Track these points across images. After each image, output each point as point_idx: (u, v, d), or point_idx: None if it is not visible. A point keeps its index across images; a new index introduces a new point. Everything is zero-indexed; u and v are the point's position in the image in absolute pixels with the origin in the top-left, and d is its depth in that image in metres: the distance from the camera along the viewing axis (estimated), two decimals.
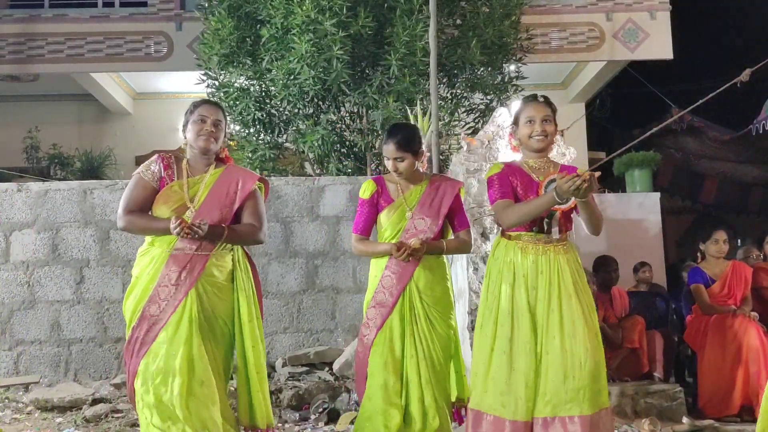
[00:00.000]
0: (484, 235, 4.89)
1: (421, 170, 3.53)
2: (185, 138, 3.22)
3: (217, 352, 3.07)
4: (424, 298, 3.35)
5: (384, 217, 3.47)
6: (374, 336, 3.37)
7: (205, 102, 3.26)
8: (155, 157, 3.18)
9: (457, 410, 3.57)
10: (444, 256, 3.48)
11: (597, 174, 2.83)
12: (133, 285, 3.09)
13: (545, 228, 3.09)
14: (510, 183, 3.12)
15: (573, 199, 2.93)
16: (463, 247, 3.50)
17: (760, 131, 8.29)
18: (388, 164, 3.46)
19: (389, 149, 3.41)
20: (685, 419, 4.49)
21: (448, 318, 3.42)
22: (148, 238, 3.14)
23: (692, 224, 12.15)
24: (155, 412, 2.93)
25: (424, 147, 3.52)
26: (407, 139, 3.43)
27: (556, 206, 2.97)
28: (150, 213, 3.11)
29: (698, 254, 5.44)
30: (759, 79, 7.54)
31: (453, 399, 3.55)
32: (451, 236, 3.53)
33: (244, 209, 3.20)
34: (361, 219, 3.49)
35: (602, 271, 5.85)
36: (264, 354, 3.19)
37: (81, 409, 4.86)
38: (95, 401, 4.95)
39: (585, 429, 2.88)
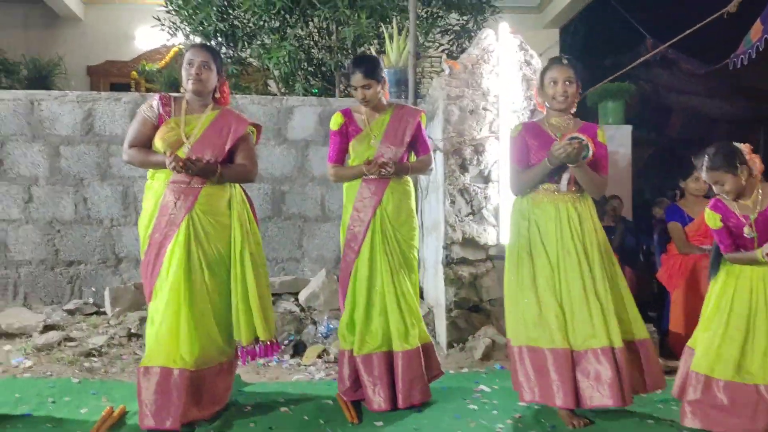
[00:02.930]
0: (463, 167, 4.66)
1: (384, 100, 3.74)
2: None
3: (210, 273, 3.31)
4: (391, 221, 3.64)
5: (353, 146, 3.71)
6: (355, 256, 3.64)
7: (192, 46, 3.47)
8: (156, 96, 3.43)
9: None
10: (410, 182, 3.75)
11: (588, 156, 3.24)
12: (142, 215, 3.41)
13: (555, 179, 3.38)
14: (525, 145, 3.44)
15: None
16: (425, 168, 3.80)
17: (738, 66, 8.13)
18: (356, 93, 3.68)
19: (356, 78, 3.62)
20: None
21: (411, 239, 3.72)
22: (149, 173, 3.42)
23: (655, 156, 12.13)
24: (155, 328, 3.26)
25: (385, 74, 3.74)
26: (372, 67, 3.66)
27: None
28: (151, 148, 3.37)
29: (676, 191, 5.31)
30: (740, 14, 7.33)
31: None
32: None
33: (237, 151, 3.43)
34: (334, 149, 3.75)
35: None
36: (265, 277, 3.49)
37: (31, 336, 4.59)
38: (47, 327, 4.69)
39: (614, 359, 3.18)
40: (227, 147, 3.36)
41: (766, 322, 3.20)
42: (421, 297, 5.22)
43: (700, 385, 3.23)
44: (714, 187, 3.33)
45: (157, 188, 3.35)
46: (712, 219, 3.37)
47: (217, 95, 3.48)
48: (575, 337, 3.26)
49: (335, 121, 3.75)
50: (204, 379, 3.26)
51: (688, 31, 6.22)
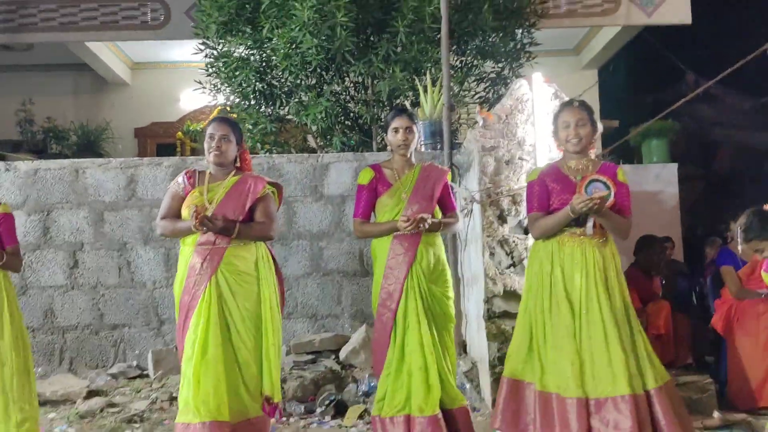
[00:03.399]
0: (501, 218, 4.58)
1: (413, 157, 3.81)
2: None
3: (236, 330, 3.41)
4: (426, 276, 3.61)
5: (382, 202, 3.73)
6: (393, 315, 3.60)
7: (213, 120, 3.66)
8: (182, 172, 3.65)
9: None
10: (439, 236, 3.76)
11: (610, 200, 3.23)
12: (175, 279, 3.57)
13: (581, 222, 3.32)
14: (546, 189, 3.42)
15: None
16: (454, 225, 3.84)
17: None
18: (396, 137, 3.72)
19: (402, 120, 3.71)
20: (716, 413, 4.21)
21: (446, 291, 3.70)
22: (180, 241, 3.58)
23: (705, 192, 11.83)
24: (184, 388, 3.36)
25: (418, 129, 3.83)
26: (412, 112, 3.80)
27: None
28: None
29: (727, 234, 5.13)
30: None
31: None
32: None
33: (256, 210, 3.55)
34: (361, 204, 3.76)
35: (644, 253, 5.53)
36: (279, 339, 3.56)
37: (75, 402, 4.62)
38: (90, 393, 4.72)
39: (634, 408, 3.07)
40: (247, 206, 3.50)
41: None
42: (465, 351, 5.10)
43: None
44: (757, 255, 3.35)
45: (187, 253, 3.52)
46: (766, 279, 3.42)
47: (239, 164, 3.67)
48: (595, 384, 3.18)
49: (364, 176, 3.77)
50: None
51: (731, 69, 6.07)
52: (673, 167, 7.92)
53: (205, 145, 3.58)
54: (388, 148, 3.86)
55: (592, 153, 3.50)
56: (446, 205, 3.78)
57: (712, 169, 12.08)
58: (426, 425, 3.43)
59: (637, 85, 11.99)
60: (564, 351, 3.23)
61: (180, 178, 3.62)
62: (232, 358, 3.39)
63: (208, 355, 3.33)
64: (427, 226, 3.54)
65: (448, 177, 3.81)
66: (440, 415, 3.48)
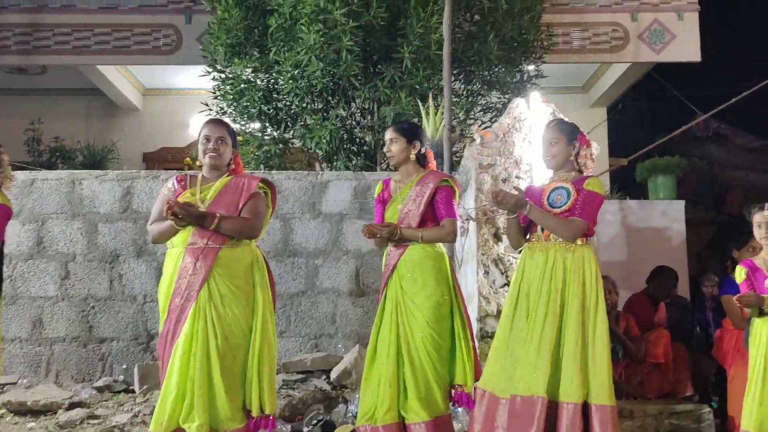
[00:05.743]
0: (497, 236, 4.50)
1: (417, 166, 3.76)
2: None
3: (223, 337, 3.26)
4: (404, 288, 3.56)
5: (386, 212, 3.77)
6: (377, 328, 3.64)
7: (209, 121, 3.61)
8: (173, 177, 3.59)
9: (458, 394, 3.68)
10: (432, 248, 3.64)
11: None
12: (161, 282, 3.43)
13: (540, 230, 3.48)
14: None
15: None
16: (442, 234, 3.65)
17: None
18: (386, 150, 3.78)
19: (387, 133, 3.77)
20: None
21: (428, 307, 3.53)
22: (169, 243, 3.46)
23: (716, 236, 11.68)
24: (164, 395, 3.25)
25: (426, 144, 3.82)
26: (405, 125, 3.83)
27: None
28: None
29: (728, 263, 5.02)
30: None
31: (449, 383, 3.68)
32: None
33: (245, 208, 3.44)
34: (376, 217, 3.86)
35: (655, 282, 5.58)
36: (275, 348, 3.45)
37: (56, 413, 4.52)
38: (72, 405, 4.61)
39: (543, 412, 3.14)
40: (241, 204, 3.43)
41: None
42: None
43: None
44: (762, 230, 3.63)
45: (176, 254, 3.40)
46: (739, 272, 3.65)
47: (232, 166, 3.59)
48: (518, 384, 3.26)
49: (376, 190, 3.89)
50: None
51: (734, 99, 6.05)
52: (680, 204, 7.86)
53: (200, 147, 3.52)
54: None
55: (589, 170, 3.56)
56: (438, 211, 3.67)
57: (723, 212, 11.92)
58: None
59: (647, 124, 11.96)
60: (513, 356, 3.34)
61: (170, 183, 3.55)
62: (216, 366, 3.23)
63: (190, 363, 3.22)
64: (385, 234, 3.56)
65: (449, 183, 3.71)
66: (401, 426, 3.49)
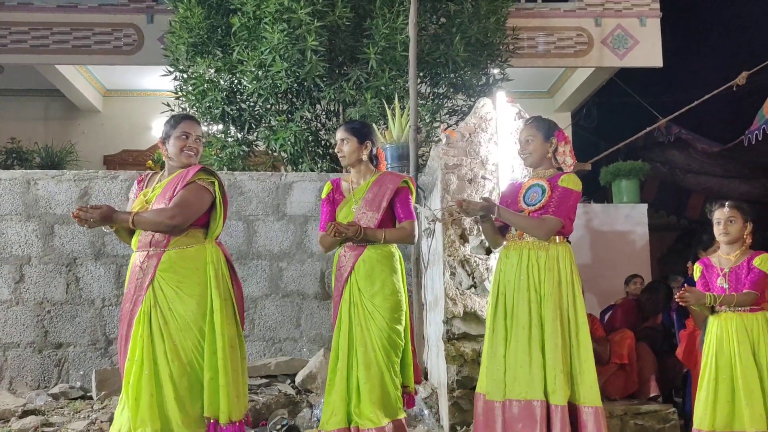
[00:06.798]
0: (463, 237, 4.45)
1: (371, 166, 3.73)
2: (166, 151, 3.36)
3: (170, 342, 3.12)
4: (362, 289, 3.52)
5: (337, 214, 3.68)
6: (334, 326, 3.63)
7: (186, 117, 3.44)
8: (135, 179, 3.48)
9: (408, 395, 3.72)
10: (389, 250, 3.63)
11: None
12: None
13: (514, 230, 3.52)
14: (505, 203, 3.57)
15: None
16: (403, 236, 3.65)
17: (752, 142, 7.96)
18: (337, 150, 3.71)
19: (338, 133, 3.70)
20: None
21: (385, 311, 3.51)
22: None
23: (677, 240, 11.83)
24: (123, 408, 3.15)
25: (377, 144, 3.80)
26: (356, 125, 3.78)
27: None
28: None
29: (688, 265, 5.06)
30: (751, 91, 7.21)
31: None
32: None
33: (173, 198, 3.24)
34: (322, 218, 3.75)
35: (647, 296, 5.73)
36: (241, 354, 3.30)
37: (9, 421, 4.34)
38: (26, 413, 4.44)
39: (547, 415, 3.19)
40: (176, 193, 3.22)
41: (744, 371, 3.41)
42: (425, 377, 4.91)
43: None
44: (720, 226, 3.63)
45: (132, 258, 3.31)
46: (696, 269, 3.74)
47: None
48: (513, 388, 3.28)
49: (324, 191, 3.80)
50: None
51: (695, 102, 6.10)
52: (643, 207, 7.99)
53: (176, 143, 3.30)
54: None
55: (570, 167, 3.58)
56: (397, 213, 3.66)
57: (685, 217, 12.07)
58: None
59: (610, 128, 12.08)
60: (496, 357, 3.38)
61: (133, 187, 3.46)
62: (165, 372, 3.10)
63: (141, 369, 3.10)
64: (346, 234, 3.49)
65: (407, 184, 3.69)
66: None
